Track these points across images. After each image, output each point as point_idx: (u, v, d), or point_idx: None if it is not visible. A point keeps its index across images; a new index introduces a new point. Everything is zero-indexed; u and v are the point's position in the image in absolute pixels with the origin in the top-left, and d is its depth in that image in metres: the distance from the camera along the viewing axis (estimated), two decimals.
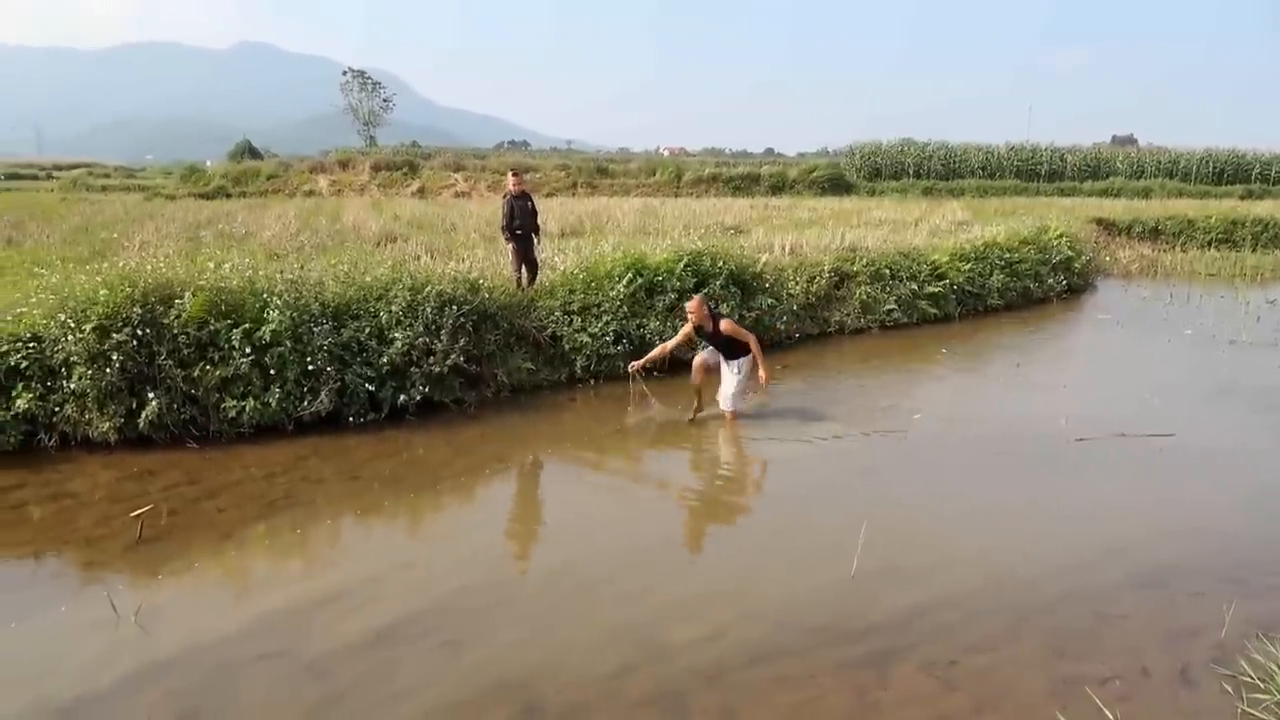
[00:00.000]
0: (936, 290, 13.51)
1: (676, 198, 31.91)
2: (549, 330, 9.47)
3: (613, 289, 9.90)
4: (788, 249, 13.52)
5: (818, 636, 4.42)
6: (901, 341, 12.21)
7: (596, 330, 9.50)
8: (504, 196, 10.38)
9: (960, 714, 3.83)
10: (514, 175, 10.31)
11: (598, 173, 38.58)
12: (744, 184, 37.40)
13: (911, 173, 42.47)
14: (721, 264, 10.96)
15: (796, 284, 12.08)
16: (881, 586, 4.94)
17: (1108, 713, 3.74)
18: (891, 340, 12.27)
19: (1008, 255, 15.19)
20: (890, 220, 19.78)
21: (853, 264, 13.08)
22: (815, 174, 38.97)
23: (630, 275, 10.08)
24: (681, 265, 10.53)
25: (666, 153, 74.80)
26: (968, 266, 14.25)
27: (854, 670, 4.12)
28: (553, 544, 5.86)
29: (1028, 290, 15.28)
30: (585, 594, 5.00)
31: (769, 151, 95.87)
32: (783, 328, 11.54)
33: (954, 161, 43.06)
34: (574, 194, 34.17)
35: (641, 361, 8.33)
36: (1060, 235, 17.15)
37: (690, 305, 7.87)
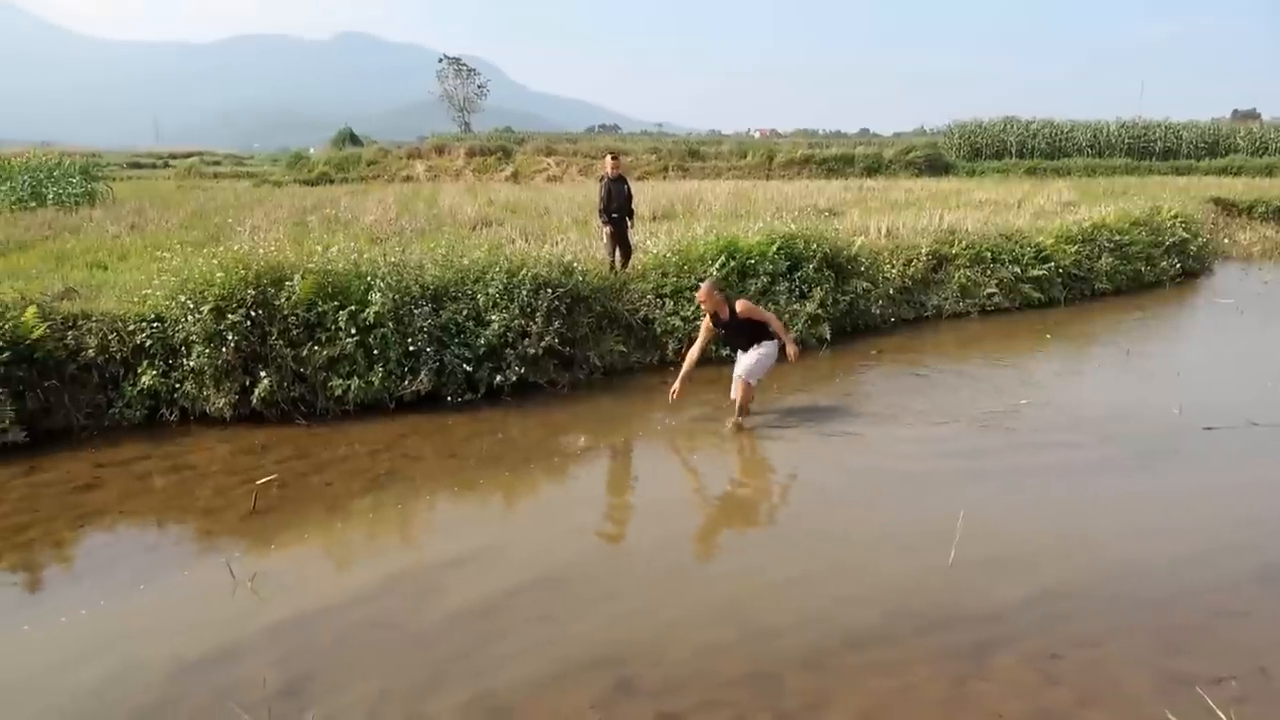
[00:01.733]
0: (1040, 273, 13.04)
1: (768, 180, 31.59)
2: (641, 313, 9.52)
3: (705, 272, 9.88)
4: (884, 231, 13.25)
5: (915, 624, 4.35)
6: (1003, 326, 11.84)
7: (688, 314, 9.50)
8: (600, 180, 10.44)
9: (1062, 708, 3.72)
10: (612, 158, 10.34)
11: (689, 155, 38.48)
12: (837, 165, 36.82)
13: (1014, 152, 41.04)
14: (815, 247, 10.80)
15: (893, 267, 11.85)
16: (981, 576, 4.83)
17: (1220, 714, 3.57)
18: (992, 325, 11.92)
19: (1117, 237, 14.55)
20: (991, 201, 19.17)
21: (951, 246, 12.75)
22: (912, 154, 38.09)
23: (723, 258, 10.05)
24: (774, 248, 10.43)
25: (758, 134, 73.92)
26: (1074, 249, 13.70)
27: (952, 659, 4.05)
28: (647, 524, 5.91)
29: (1138, 274, 14.61)
30: (680, 574, 5.05)
31: (863, 131, 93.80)
32: (878, 312, 11.35)
33: (1060, 140, 41.41)
34: (665, 177, 34.17)
35: (679, 384, 7.50)
36: (1174, 216, 16.32)
37: (700, 293, 7.37)
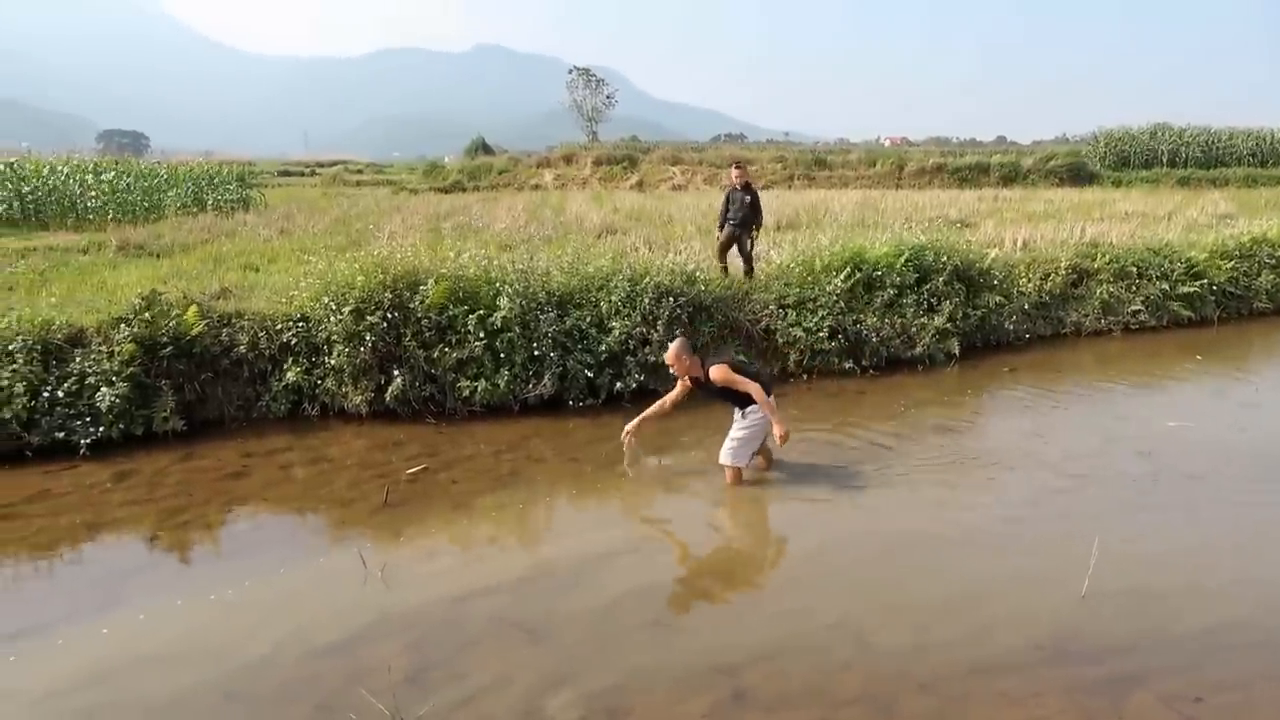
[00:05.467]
0: (1192, 290, 12.26)
1: (898, 190, 30.83)
2: (763, 323, 9.47)
3: (829, 283, 9.73)
4: (1019, 244, 12.75)
5: (1044, 655, 4.16)
6: (1148, 345, 11.19)
7: (811, 325, 9.38)
8: (725, 189, 10.50)
9: None
10: (736, 168, 10.38)
11: (815, 164, 38.01)
12: (971, 175, 35.65)
13: (1165, 161, 38.61)
14: (946, 259, 10.49)
15: (1029, 281, 11.39)
16: (1118, 609, 4.57)
17: None
18: (1136, 344, 11.27)
19: None
20: (1139, 213, 18.22)
21: (1094, 260, 12.15)
22: (1052, 163, 36.45)
23: (848, 270, 9.87)
24: (903, 260, 10.18)
25: (887, 143, 72.18)
26: (1230, 265, 12.85)
27: (1084, 694, 3.84)
28: (767, 539, 5.89)
29: None
30: (801, 590, 4.98)
31: (1000, 139, 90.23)
32: (1011, 328, 10.94)
33: (1216, 148, 38.74)
34: (790, 186, 33.83)
35: (636, 423, 6.76)
36: None
37: (668, 356, 6.41)
